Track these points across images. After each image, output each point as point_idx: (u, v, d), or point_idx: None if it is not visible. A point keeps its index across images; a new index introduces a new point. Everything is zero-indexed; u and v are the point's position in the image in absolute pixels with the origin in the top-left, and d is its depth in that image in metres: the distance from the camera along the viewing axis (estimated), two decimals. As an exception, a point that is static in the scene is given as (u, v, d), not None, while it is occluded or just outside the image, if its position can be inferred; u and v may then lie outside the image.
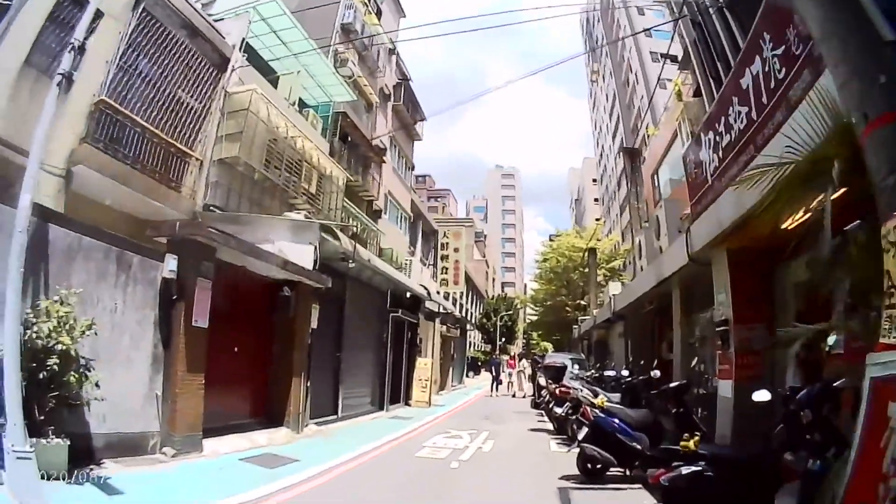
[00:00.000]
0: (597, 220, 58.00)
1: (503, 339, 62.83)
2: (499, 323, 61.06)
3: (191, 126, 10.72)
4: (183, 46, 10.42)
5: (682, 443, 5.97)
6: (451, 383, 32.53)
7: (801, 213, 5.40)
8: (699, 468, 5.68)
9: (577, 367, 19.11)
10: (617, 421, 8.76)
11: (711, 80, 14.73)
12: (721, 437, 8.68)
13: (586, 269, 40.30)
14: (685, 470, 5.73)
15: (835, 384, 4.88)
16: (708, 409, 9.93)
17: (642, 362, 14.85)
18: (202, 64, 11.08)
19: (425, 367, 20.84)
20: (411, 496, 7.49)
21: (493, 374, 29.67)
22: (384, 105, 26.73)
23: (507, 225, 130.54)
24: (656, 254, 15.26)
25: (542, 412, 16.91)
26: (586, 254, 39.18)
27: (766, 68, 7.06)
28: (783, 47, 6.51)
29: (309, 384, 12.67)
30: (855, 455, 3.42)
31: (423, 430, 14.43)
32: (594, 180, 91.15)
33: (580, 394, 10.53)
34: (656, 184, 25.58)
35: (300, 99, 16.46)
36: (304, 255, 11.99)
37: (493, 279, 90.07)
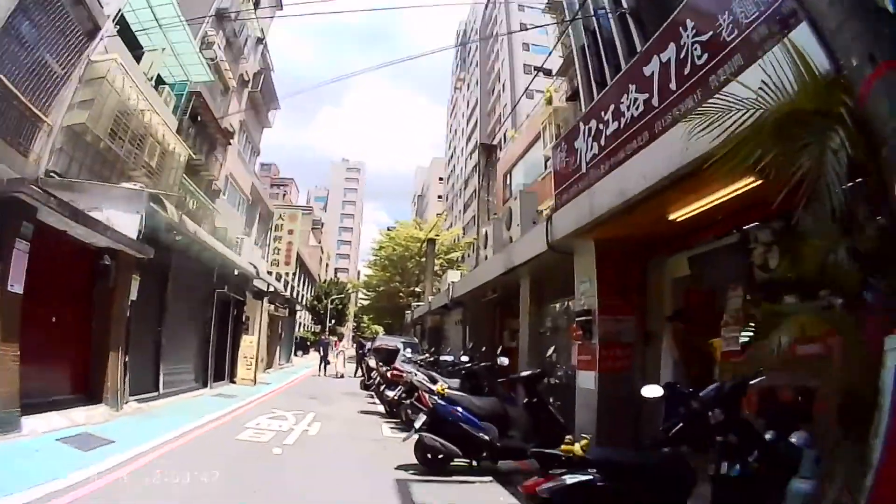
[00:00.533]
0: (438, 214, 58.44)
1: (333, 321, 62.95)
2: (329, 305, 60.57)
3: (50, 90, 10.48)
4: (61, 8, 10.36)
5: (563, 446, 4.74)
6: (280, 362, 31.13)
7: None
8: (588, 477, 4.52)
9: (409, 350, 18.90)
10: (461, 409, 8.15)
11: (594, 83, 14.99)
12: (582, 431, 8.19)
13: (423, 259, 40.41)
14: (570, 479, 4.51)
15: (750, 381, 4.40)
16: (561, 400, 9.61)
17: (483, 349, 14.58)
18: (74, 29, 10.91)
19: (250, 344, 19.29)
20: (226, 492, 6.20)
21: (322, 354, 28.58)
22: (240, 90, 26.66)
23: (346, 215, 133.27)
24: (505, 243, 14.96)
25: (373, 394, 16.11)
26: (425, 244, 39.08)
27: (683, 55, 6.68)
28: (710, 34, 6.14)
29: (128, 359, 11.39)
30: (881, 455, 2.86)
31: (246, 410, 13.18)
32: (440, 179, 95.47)
33: (415, 378, 9.98)
34: (508, 182, 26.68)
35: (158, 75, 16.36)
36: (129, 225, 10.95)
37: (328, 265, 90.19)
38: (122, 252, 10.78)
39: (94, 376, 10.63)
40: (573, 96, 20.03)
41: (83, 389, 10.51)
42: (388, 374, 13.08)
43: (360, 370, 25.44)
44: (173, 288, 14.04)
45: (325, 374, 27.15)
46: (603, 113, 9.05)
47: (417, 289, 42.75)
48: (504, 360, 10.73)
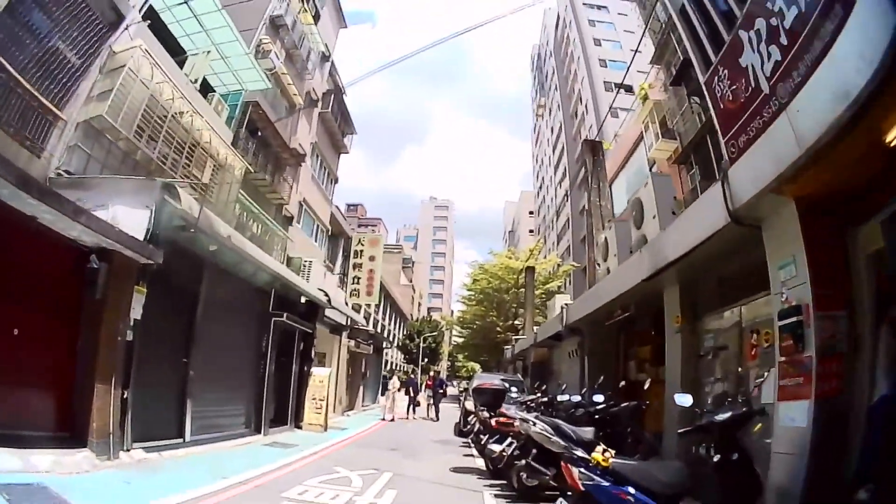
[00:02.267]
0: (533, 241, 55.14)
1: (426, 360, 61.20)
2: (422, 344, 58.26)
3: (65, 84, 9.36)
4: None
5: None
6: (362, 403, 28.11)
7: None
8: None
9: (514, 389, 15.43)
10: (633, 493, 4.57)
11: (705, 40, 11.86)
12: (782, 493, 5.34)
13: (520, 290, 37.85)
14: None
15: None
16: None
17: (599, 383, 11.22)
18: (92, 18, 9.87)
19: (321, 384, 16.45)
20: None
21: (411, 394, 25.51)
22: (309, 110, 25.19)
23: (437, 254, 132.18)
24: (638, 244, 11.89)
25: (470, 443, 13.02)
26: (522, 274, 36.42)
27: None
28: None
29: (127, 395, 8.70)
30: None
31: (302, 465, 10.15)
32: (530, 212, 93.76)
33: (533, 429, 7.08)
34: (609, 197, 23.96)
35: (206, 81, 15.29)
36: (136, 223, 8.79)
37: (419, 304, 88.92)
38: (118, 254, 8.17)
39: (78, 412, 8.14)
40: (678, 79, 16.81)
41: (66, 428, 8.11)
42: (493, 423, 9.88)
43: (431, 411, 23.93)
44: (207, 310, 11.37)
45: (413, 417, 24.11)
46: (770, 4, 6.03)
47: (516, 322, 39.38)
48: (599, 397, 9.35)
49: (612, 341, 14.54)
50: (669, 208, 11.63)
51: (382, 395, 26.88)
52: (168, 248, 9.10)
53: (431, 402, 24.78)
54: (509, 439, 8.71)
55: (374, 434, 17.16)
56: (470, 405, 14.14)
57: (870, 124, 4.48)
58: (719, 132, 7.56)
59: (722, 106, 7.49)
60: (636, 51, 16.55)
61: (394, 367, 56.81)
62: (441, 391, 25.32)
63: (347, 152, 32.50)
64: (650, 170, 22.11)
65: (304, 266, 19.09)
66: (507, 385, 12.09)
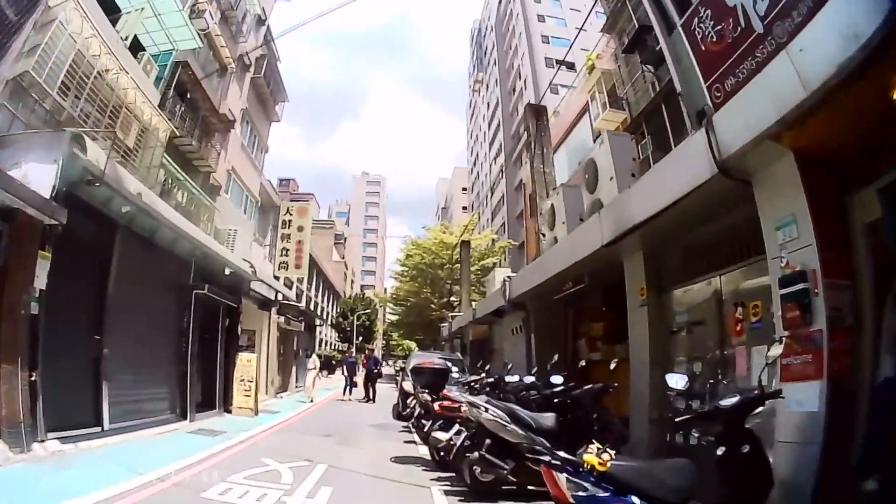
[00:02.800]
0: (464, 209, 54.43)
1: (360, 339, 60.12)
2: (356, 322, 56.88)
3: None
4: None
5: None
6: (296, 384, 26.52)
7: None
8: None
9: (454, 369, 14.22)
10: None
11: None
12: (789, 489, 4.55)
13: (455, 266, 37.02)
14: None
15: None
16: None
17: (577, 364, 10.59)
18: None
19: (248, 363, 15.20)
20: None
21: (347, 374, 24.22)
22: (241, 75, 24.40)
23: (369, 230, 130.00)
24: (591, 209, 10.90)
25: (411, 427, 11.99)
26: (456, 249, 35.67)
27: None
28: None
29: (35, 376, 7.67)
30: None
31: (227, 456, 9.03)
32: (464, 189, 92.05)
33: (508, 426, 6.52)
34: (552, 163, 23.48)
35: (137, 41, 14.62)
36: (44, 180, 7.80)
37: (352, 281, 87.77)
38: (20, 215, 7.07)
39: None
40: (631, 46, 16.20)
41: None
42: (436, 407, 8.91)
43: (369, 393, 22.50)
44: (120, 281, 10.07)
45: (350, 398, 22.77)
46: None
47: (452, 299, 38.60)
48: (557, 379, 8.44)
49: (559, 317, 13.76)
50: (629, 169, 10.62)
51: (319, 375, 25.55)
52: (76, 207, 8.16)
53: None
54: (457, 426, 7.79)
55: (308, 418, 16.00)
56: (408, 386, 13.11)
57: (881, 72, 4.01)
58: (700, 76, 6.78)
59: (703, 48, 6.71)
60: (581, 29, 16.33)
61: (327, 346, 55.46)
62: (376, 370, 24.11)
63: (279, 121, 31.48)
64: (594, 141, 21.72)
65: (229, 235, 17.70)
66: (448, 364, 11.09)
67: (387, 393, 24.66)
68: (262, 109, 28.75)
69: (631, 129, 15.67)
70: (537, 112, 17.03)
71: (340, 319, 61.01)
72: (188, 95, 18.77)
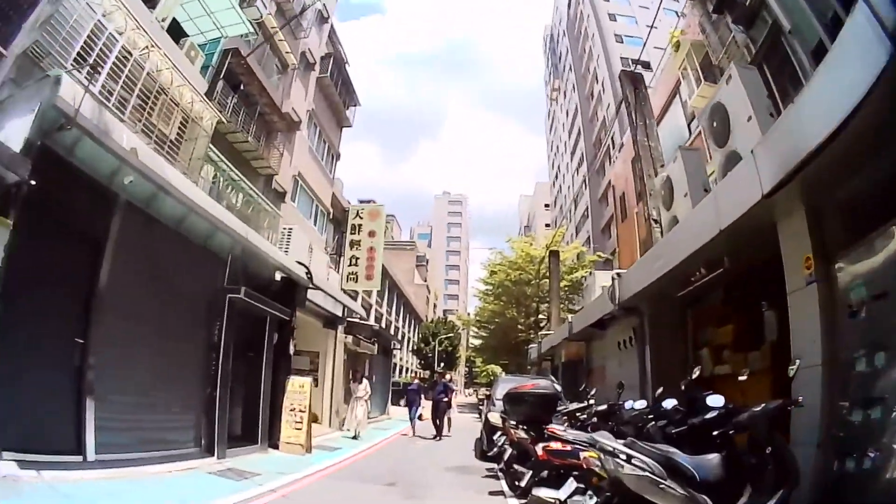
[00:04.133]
0: (547, 226, 51.25)
1: (442, 364, 57.15)
2: (437, 347, 54.30)
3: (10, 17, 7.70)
4: None
5: None
6: (368, 414, 23.62)
7: None
8: None
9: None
10: None
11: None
12: None
13: (542, 282, 34.29)
14: None
15: None
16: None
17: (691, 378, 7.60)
18: None
19: (301, 390, 12.62)
20: None
21: (407, 406, 20.07)
22: (305, 74, 23.04)
23: (451, 252, 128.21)
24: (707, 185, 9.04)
25: (498, 473, 9.21)
26: (542, 264, 33.17)
27: None
28: None
29: None
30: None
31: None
32: (546, 205, 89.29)
33: (664, 485, 4.17)
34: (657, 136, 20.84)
35: (179, 27, 13.89)
36: (17, 129, 6.17)
37: (434, 305, 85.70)
38: None
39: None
40: (720, 5, 13.62)
41: None
42: (540, 450, 6.18)
43: (439, 428, 18.06)
44: (118, 271, 7.87)
45: (411, 434, 18.83)
46: None
47: (541, 317, 35.46)
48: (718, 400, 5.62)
49: (678, 323, 10.71)
50: (767, 108, 8.38)
51: (397, 403, 22.04)
52: (55, 167, 6.56)
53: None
54: (572, 482, 5.01)
55: (371, 457, 13.22)
56: (494, 418, 10.66)
57: None
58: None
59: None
60: (652, 26, 14.22)
61: (407, 374, 53.07)
62: (445, 399, 18.59)
63: (350, 125, 29.92)
64: (687, 127, 18.98)
65: (284, 235, 15.52)
66: (557, 388, 8.12)
67: (468, 424, 21.67)
68: (332, 113, 27.24)
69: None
70: (633, 79, 14.18)
71: (422, 345, 58.90)
72: (241, 87, 17.23)
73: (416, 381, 20.50)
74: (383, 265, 41.52)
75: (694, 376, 6.92)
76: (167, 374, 9.21)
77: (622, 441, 4.56)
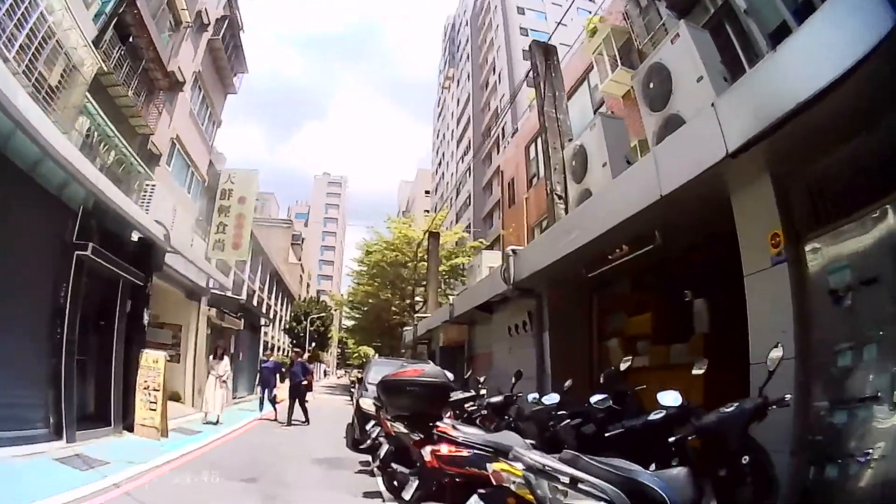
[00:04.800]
0: (426, 212, 50.86)
1: (313, 345, 56.37)
2: (309, 327, 52.64)
3: None
4: None
5: None
6: (233, 395, 21.71)
7: None
8: None
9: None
10: None
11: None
12: None
13: (420, 264, 33.38)
14: None
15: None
16: None
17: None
18: None
19: (155, 365, 11.06)
20: None
21: (260, 385, 18.29)
22: (197, 34, 22.01)
23: (328, 232, 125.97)
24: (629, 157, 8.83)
25: (374, 470, 8.36)
26: (420, 246, 32.27)
27: None
28: None
29: None
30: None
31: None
32: (427, 192, 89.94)
33: None
34: (532, 156, 22.31)
35: None
36: None
37: (308, 284, 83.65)
38: None
39: None
40: None
41: None
42: (429, 455, 5.06)
43: (302, 412, 15.82)
44: None
45: (262, 416, 17.00)
46: None
47: (416, 299, 34.78)
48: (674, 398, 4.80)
49: (581, 309, 10.26)
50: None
51: (258, 384, 19.61)
52: None
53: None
54: (477, 501, 3.98)
55: (233, 444, 11.87)
56: (368, 405, 9.36)
57: None
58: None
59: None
60: (559, 23, 14.83)
61: (279, 352, 51.03)
62: (304, 382, 15.91)
63: (235, 92, 28.72)
64: (594, 112, 18.76)
65: (145, 192, 13.88)
66: (447, 376, 6.92)
67: (340, 408, 20.62)
68: (219, 78, 25.96)
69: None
70: (546, 50, 13.62)
71: (294, 324, 57.05)
72: (130, 40, 16.00)
73: (271, 358, 18.34)
74: (256, 239, 39.67)
75: (623, 367, 6.32)
76: (5, 340, 7.75)
77: (556, 455, 3.52)
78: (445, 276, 35.02)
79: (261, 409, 17.08)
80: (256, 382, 18.38)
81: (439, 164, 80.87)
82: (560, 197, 10.92)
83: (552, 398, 6.83)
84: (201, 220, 21.98)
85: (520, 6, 55.86)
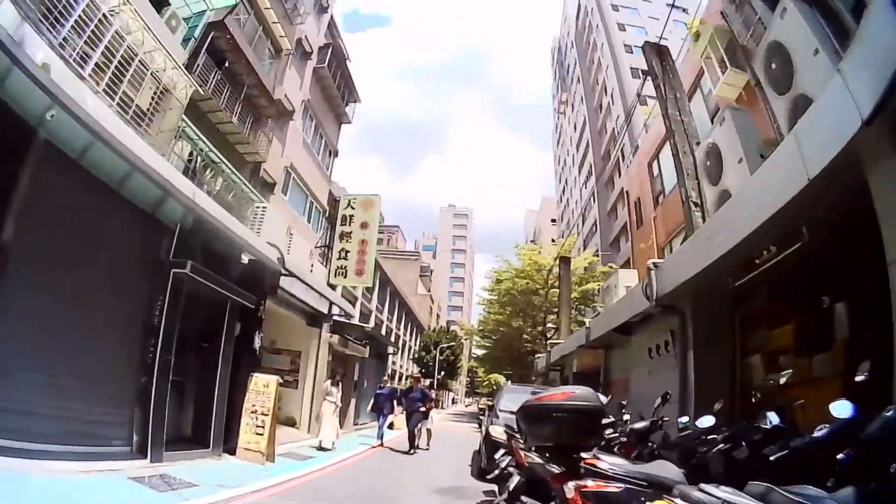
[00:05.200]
0: (552, 241, 49.25)
1: (442, 374, 55.77)
2: (439, 356, 52.36)
3: None
4: None
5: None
6: (355, 421, 21.40)
7: None
8: None
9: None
10: None
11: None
12: None
13: (551, 290, 32.42)
14: None
15: None
16: None
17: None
18: None
19: (265, 389, 10.50)
20: None
21: (378, 412, 16.67)
22: (301, 62, 21.70)
23: (456, 264, 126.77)
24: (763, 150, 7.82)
25: (501, 501, 7.18)
26: (551, 273, 31.30)
27: None
28: None
29: None
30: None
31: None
32: (552, 220, 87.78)
33: None
34: (657, 173, 20.93)
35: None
36: None
37: (438, 315, 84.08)
38: None
39: None
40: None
41: None
42: (572, 491, 4.01)
43: (417, 440, 14.86)
44: (28, 225, 6.26)
45: (380, 444, 15.61)
46: None
47: (548, 326, 33.30)
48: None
49: (724, 325, 8.69)
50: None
51: (371, 410, 18.42)
52: None
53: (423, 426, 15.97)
54: None
55: (345, 471, 11.00)
56: (497, 432, 9.08)
57: None
58: None
59: None
60: (661, 37, 13.46)
61: (405, 381, 51.08)
62: (420, 407, 15.12)
63: (349, 122, 28.29)
64: (711, 121, 17.18)
65: (255, 214, 13.65)
66: (602, 400, 5.48)
67: (466, 435, 19.48)
68: (329, 107, 25.62)
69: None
70: (659, 51, 12.46)
71: (422, 353, 56.79)
72: (227, 64, 15.74)
73: (388, 384, 17.13)
74: (383, 268, 39.81)
75: (783, 381, 4.89)
76: (83, 352, 7.34)
77: (726, 488, 2.43)
78: (577, 303, 33.23)
79: (378, 437, 15.93)
80: (369, 409, 17.36)
81: (563, 191, 78.76)
82: (696, 204, 9.56)
83: (706, 421, 5.49)
84: (322, 247, 21.78)
85: (620, 22, 54.21)
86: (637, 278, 15.96)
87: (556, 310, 29.97)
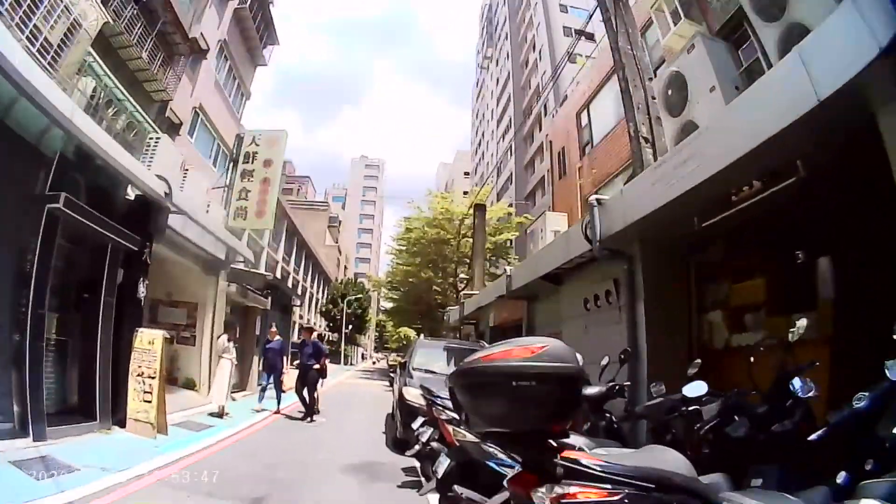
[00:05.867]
0: (465, 194, 48.77)
1: (350, 328, 55.67)
2: (346, 309, 51.28)
3: None
4: None
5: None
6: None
7: None
8: None
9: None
10: None
11: None
12: None
13: (464, 240, 31.90)
14: None
15: None
16: None
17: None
18: None
19: (150, 347, 8.98)
20: None
21: (265, 371, 15.07)
22: (222, 2, 21.20)
23: (365, 216, 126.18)
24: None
25: (423, 477, 6.43)
26: (464, 222, 30.83)
27: None
28: None
29: None
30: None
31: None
32: (466, 173, 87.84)
33: None
34: (586, 123, 20.21)
35: None
36: None
37: (346, 267, 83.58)
38: None
39: None
40: None
41: None
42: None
43: (311, 404, 13.17)
44: None
45: (261, 408, 13.93)
46: None
47: (462, 276, 32.67)
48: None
49: (676, 276, 7.89)
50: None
51: (262, 369, 16.60)
52: None
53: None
54: None
55: (243, 443, 9.58)
56: (413, 395, 8.01)
57: None
58: None
59: None
60: None
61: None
62: (316, 366, 13.16)
63: (265, 64, 27.66)
64: (654, 72, 16.77)
65: (150, 144, 12.08)
66: (579, 360, 4.02)
67: (377, 395, 18.54)
68: (246, 49, 24.84)
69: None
70: None
71: (330, 306, 55.80)
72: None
73: (277, 336, 15.06)
74: (290, 217, 37.97)
75: (795, 337, 4.00)
76: None
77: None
78: (490, 255, 32.80)
79: (260, 399, 14.37)
80: (260, 368, 15.94)
81: (479, 144, 79.99)
82: (646, 139, 8.67)
83: (697, 388, 4.45)
84: (222, 187, 19.90)
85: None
86: (567, 223, 15.29)
87: (468, 261, 29.32)
